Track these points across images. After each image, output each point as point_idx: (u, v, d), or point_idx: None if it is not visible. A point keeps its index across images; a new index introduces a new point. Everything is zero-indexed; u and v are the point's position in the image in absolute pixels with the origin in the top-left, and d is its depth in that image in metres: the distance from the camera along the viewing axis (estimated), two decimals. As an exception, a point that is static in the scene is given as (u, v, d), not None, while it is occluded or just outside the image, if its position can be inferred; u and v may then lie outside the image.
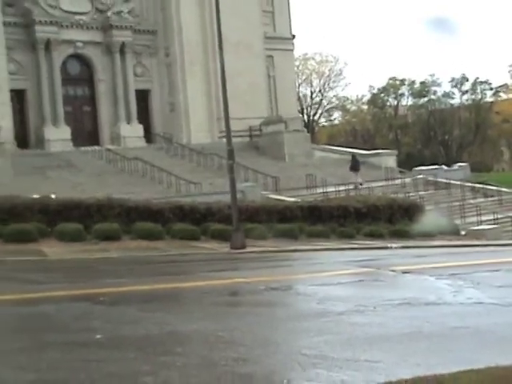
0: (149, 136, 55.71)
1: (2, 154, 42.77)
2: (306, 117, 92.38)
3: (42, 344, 11.55)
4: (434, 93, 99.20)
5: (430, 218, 35.31)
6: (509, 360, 8.46)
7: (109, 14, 54.09)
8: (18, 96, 50.76)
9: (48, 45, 51.80)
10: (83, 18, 53.58)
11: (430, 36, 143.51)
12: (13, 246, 26.69)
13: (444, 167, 55.86)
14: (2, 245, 26.92)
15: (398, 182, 48.36)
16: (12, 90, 49.63)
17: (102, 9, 54.14)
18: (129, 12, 54.96)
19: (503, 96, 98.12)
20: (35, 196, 31.27)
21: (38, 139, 51.17)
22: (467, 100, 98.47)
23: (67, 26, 52.64)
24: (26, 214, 29.02)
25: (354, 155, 47.80)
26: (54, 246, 27.40)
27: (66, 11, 52.72)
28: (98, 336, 11.74)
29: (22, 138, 50.32)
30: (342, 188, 43.51)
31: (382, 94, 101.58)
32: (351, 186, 44.46)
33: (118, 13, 54.48)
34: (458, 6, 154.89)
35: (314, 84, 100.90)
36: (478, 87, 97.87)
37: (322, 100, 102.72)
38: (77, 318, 13.95)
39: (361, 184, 44.57)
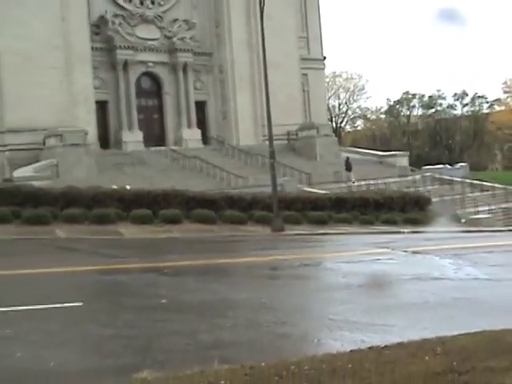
0: (205, 139, 55.71)
1: (88, 154, 43.10)
2: (334, 124, 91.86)
3: (119, 306, 11.67)
4: (440, 105, 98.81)
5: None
6: (500, 325, 8.40)
7: (174, 39, 54.16)
8: (101, 106, 51.08)
9: (126, 65, 52.09)
10: (154, 43, 53.75)
11: (437, 55, 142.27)
12: (96, 227, 26.98)
13: (448, 166, 55.32)
14: (87, 226, 27.23)
15: (409, 178, 47.95)
16: (96, 102, 49.97)
17: (169, 35, 54.23)
18: (190, 38, 54.96)
19: (497, 108, 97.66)
20: (114, 187, 31.58)
21: (117, 141, 51.46)
22: (467, 111, 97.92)
23: (141, 50, 52.85)
24: (106, 201, 29.32)
25: (347, 158, 47.15)
26: (128, 227, 27.64)
27: (141, 38, 52.94)
28: (163, 301, 11.83)
29: (104, 140, 50.64)
30: (363, 183, 43.24)
31: (397, 106, 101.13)
32: (345, 184, 43.76)
33: (182, 38, 54.52)
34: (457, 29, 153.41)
35: (341, 97, 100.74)
36: (477, 101, 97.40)
37: (347, 110, 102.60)
38: (146, 285, 14.08)
39: (353, 182, 43.84)
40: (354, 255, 20.60)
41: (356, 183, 43.47)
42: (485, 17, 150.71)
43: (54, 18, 46.55)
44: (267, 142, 32.89)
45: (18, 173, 40.21)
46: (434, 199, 39.14)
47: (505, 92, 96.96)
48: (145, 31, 53.36)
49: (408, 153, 59.51)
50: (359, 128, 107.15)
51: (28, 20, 44.72)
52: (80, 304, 11.34)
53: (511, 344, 7.14)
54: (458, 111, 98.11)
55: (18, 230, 25.44)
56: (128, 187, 31.76)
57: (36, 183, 33.66)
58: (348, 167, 45.44)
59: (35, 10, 45.02)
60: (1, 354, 8.05)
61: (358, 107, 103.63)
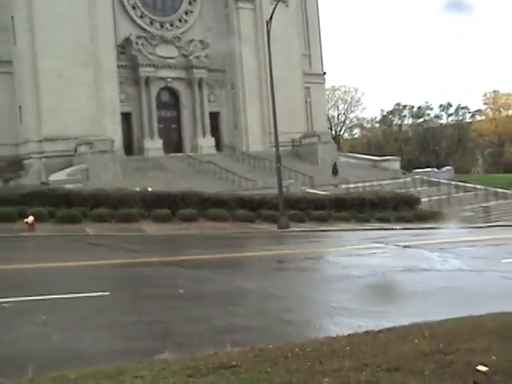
0: (218, 146, 55.75)
1: (114, 159, 43.22)
2: (333, 132, 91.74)
3: (142, 296, 11.71)
4: (428, 115, 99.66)
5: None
6: (481, 310, 8.41)
7: (190, 57, 54.21)
8: (125, 117, 51.18)
9: (147, 80, 52.20)
10: (172, 61, 53.82)
11: (425, 69, 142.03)
12: (121, 225, 27.07)
13: (435, 170, 55.13)
14: (113, 224, 27.32)
15: (401, 180, 47.83)
16: (122, 113, 50.07)
17: (185, 54, 54.29)
18: (205, 56, 54.99)
19: (478, 118, 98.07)
20: (137, 189, 31.62)
21: (139, 148, 51.56)
22: (452, 120, 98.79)
23: (161, 67, 52.95)
24: (130, 202, 29.40)
25: (335, 163, 46.93)
26: (150, 225, 27.70)
27: (161, 56, 53.04)
28: (182, 291, 11.86)
29: (128, 148, 50.73)
30: (360, 185, 43.16)
31: (390, 116, 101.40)
32: (331, 187, 43.38)
33: (197, 57, 54.59)
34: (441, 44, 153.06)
35: (340, 108, 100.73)
36: (460, 111, 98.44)
37: (345, 120, 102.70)
38: (166, 277, 14.11)
39: (337, 186, 43.45)
40: (352, 249, 20.61)
41: (338, 186, 43.05)
42: (471, 36, 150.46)
43: (85, 39, 46.74)
44: (274, 149, 32.88)
45: (53, 177, 40.39)
46: (422, 199, 39.06)
47: (484, 103, 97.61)
48: (164, 50, 53.48)
49: (399, 158, 59.47)
50: (356, 136, 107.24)
51: (63, 43, 44.90)
52: (107, 294, 11.38)
53: (490, 328, 7.17)
54: (444, 120, 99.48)
55: (52, 228, 25.56)
56: (149, 189, 31.83)
57: (69, 186, 33.81)
58: (334, 172, 45.21)
59: (69, 33, 45.25)
60: (40, 336, 8.12)
61: (355, 117, 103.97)
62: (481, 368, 5.38)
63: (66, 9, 45.34)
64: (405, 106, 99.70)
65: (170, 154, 50.62)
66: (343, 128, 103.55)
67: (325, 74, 65.78)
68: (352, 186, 42.80)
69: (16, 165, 43.80)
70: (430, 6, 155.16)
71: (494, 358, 5.72)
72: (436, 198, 41.89)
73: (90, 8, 47.31)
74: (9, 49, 46.47)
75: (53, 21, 44.81)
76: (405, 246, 21.10)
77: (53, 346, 7.68)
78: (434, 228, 31.16)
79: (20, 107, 46.52)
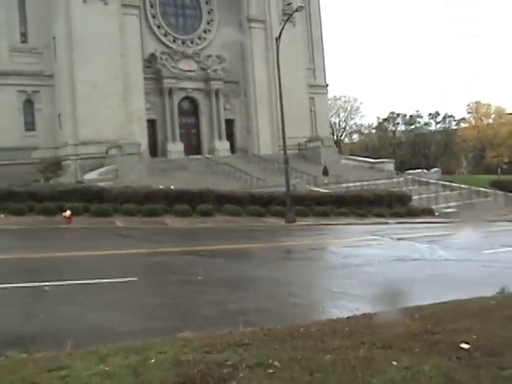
0: (233, 149, 55.70)
1: (141, 161, 43.30)
2: (335, 137, 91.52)
3: (165, 281, 11.74)
4: (419, 122, 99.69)
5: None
6: (465, 295, 8.42)
7: (208, 71, 54.23)
8: (151, 124, 51.23)
9: (170, 91, 52.25)
10: (192, 74, 53.82)
11: (416, 81, 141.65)
12: (146, 219, 27.15)
13: (425, 171, 54.96)
14: (140, 217, 27.40)
15: (395, 180, 47.59)
16: (147, 120, 50.13)
17: (204, 68, 54.29)
18: (221, 69, 55.00)
19: (463, 125, 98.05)
20: (161, 187, 31.66)
21: (163, 151, 51.62)
22: (439, 127, 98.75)
23: (182, 79, 52.96)
24: (155, 198, 29.46)
25: (325, 165, 46.56)
26: (172, 219, 27.75)
27: (182, 70, 53.04)
28: (200, 277, 11.89)
29: (153, 150, 50.78)
30: (358, 184, 43.02)
31: (385, 123, 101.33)
32: (333, 185, 42.93)
33: (215, 70, 54.61)
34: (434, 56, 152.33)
35: (341, 116, 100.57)
36: (447, 119, 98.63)
37: (345, 126, 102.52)
38: (186, 265, 14.14)
39: (327, 184, 43.03)
40: (351, 241, 20.59)
41: (328, 185, 42.54)
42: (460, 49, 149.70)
43: (116, 55, 46.87)
44: (282, 151, 32.86)
45: (87, 176, 40.58)
46: (414, 197, 38.92)
47: (468, 112, 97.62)
48: (185, 65, 53.52)
49: (393, 160, 59.14)
50: (355, 140, 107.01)
51: (96, 58, 45.08)
52: (135, 279, 11.43)
53: (471, 310, 7.18)
54: (433, 127, 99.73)
55: (87, 221, 25.68)
56: (172, 187, 31.87)
57: (101, 184, 33.92)
58: (325, 172, 44.93)
59: (102, 50, 45.43)
60: (77, 315, 8.17)
61: (354, 124, 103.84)
62: (463, 346, 5.42)
63: (99, 29, 45.64)
64: (398, 114, 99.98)
65: (190, 156, 50.66)
66: (344, 133, 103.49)
67: (327, 85, 65.66)
68: (351, 184, 42.66)
69: (55, 165, 44.03)
70: (421, 21, 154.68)
71: (474, 336, 5.75)
72: (425, 195, 41.76)
73: (120, 28, 47.50)
74: (51, 65, 47.02)
75: (88, 40, 45.11)
76: (398, 239, 21.05)
77: (88, 324, 7.73)
78: (424, 222, 31.08)
79: (59, 115, 46.83)
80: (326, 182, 42.95)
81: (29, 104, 47.27)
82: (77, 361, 5.05)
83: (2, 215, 25.84)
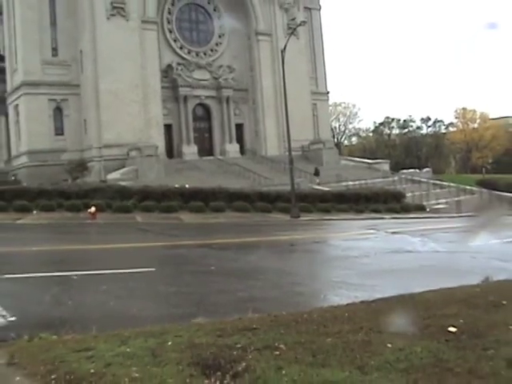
0: (242, 150, 55.60)
1: (158, 162, 43.41)
2: (335, 140, 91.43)
3: (180, 271, 11.76)
4: (411, 126, 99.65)
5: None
6: (453, 283, 8.38)
7: (220, 80, 54.21)
8: (167, 128, 51.25)
9: (185, 98, 52.28)
10: (205, 82, 53.80)
11: (409, 87, 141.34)
12: (163, 215, 27.21)
13: (417, 171, 54.77)
14: (157, 213, 27.46)
15: (390, 179, 47.43)
16: (164, 125, 50.19)
17: (216, 77, 54.26)
18: (232, 78, 54.93)
19: (451, 129, 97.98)
20: (176, 186, 31.73)
21: (178, 153, 51.65)
22: (430, 131, 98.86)
23: (196, 88, 52.92)
24: (171, 196, 29.53)
25: (316, 167, 46.26)
26: (187, 215, 27.80)
27: (196, 79, 53.01)
28: (212, 268, 11.89)
29: (169, 152, 50.82)
30: (356, 182, 42.94)
31: (381, 127, 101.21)
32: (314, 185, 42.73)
33: (226, 79, 54.57)
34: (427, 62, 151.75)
35: (341, 120, 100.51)
36: (437, 124, 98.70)
37: (345, 130, 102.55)
38: (200, 257, 14.15)
39: (318, 184, 42.86)
40: (350, 235, 20.55)
41: (320, 184, 42.14)
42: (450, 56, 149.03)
43: (136, 66, 46.99)
44: (287, 153, 32.84)
45: (110, 176, 40.75)
46: (407, 194, 38.81)
47: (456, 117, 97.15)
48: (199, 74, 53.51)
49: (389, 161, 58.99)
50: (354, 143, 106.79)
51: (118, 69, 45.30)
52: (153, 269, 11.46)
53: (459, 297, 7.16)
54: (424, 131, 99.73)
55: (110, 217, 25.78)
56: (186, 186, 31.92)
57: (122, 183, 34.05)
58: (316, 173, 44.77)
59: (123, 61, 45.66)
60: (100, 302, 8.20)
61: (353, 127, 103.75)
62: (451, 329, 5.43)
63: (121, 43, 45.88)
64: (393, 119, 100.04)
65: (203, 158, 50.68)
66: (343, 136, 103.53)
67: (328, 92, 65.48)
68: (351, 183, 42.59)
69: (82, 166, 44.20)
70: (412, 30, 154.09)
71: (461, 321, 5.76)
72: (418, 193, 41.62)
73: (140, 42, 47.65)
74: (78, 75, 47.35)
75: (111, 53, 45.37)
76: (393, 232, 20.99)
77: (110, 310, 7.75)
78: (416, 218, 30.98)
79: (85, 120, 47.04)
80: (317, 181, 42.82)
81: (58, 111, 47.56)
82: (101, 343, 5.07)
83: (35, 211, 26.00)
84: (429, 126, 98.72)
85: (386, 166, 54.54)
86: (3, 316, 6.91)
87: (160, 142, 47.59)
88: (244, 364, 4.32)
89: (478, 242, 16.70)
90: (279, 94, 51.83)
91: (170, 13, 53.28)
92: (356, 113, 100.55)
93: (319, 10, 65.25)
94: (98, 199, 27.17)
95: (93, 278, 10.18)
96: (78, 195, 27.87)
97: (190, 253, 14.87)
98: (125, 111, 45.64)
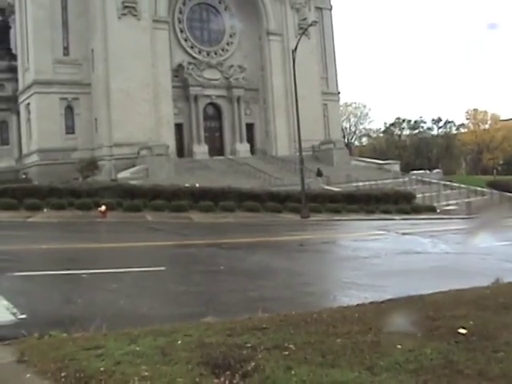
0: (253, 150, 55.67)
1: (169, 161, 43.52)
2: (346, 140, 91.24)
3: (190, 270, 11.78)
4: (422, 127, 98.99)
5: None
6: (463, 285, 8.33)
7: (231, 79, 54.32)
8: (178, 127, 51.43)
9: (196, 98, 52.42)
10: (216, 82, 53.94)
11: (421, 88, 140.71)
12: (173, 214, 27.25)
13: (427, 171, 54.63)
14: (167, 213, 27.51)
15: (400, 180, 47.27)
16: (175, 124, 50.37)
17: (227, 76, 54.37)
18: (242, 78, 55.02)
19: (462, 130, 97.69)
20: (187, 185, 31.78)
21: (189, 152, 51.79)
22: (441, 132, 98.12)
23: (207, 87, 53.08)
24: (181, 195, 29.58)
25: (319, 168, 46.15)
26: (196, 214, 27.82)
27: (206, 78, 53.17)
28: (222, 267, 11.90)
29: (180, 151, 50.97)
30: (367, 183, 42.79)
31: (392, 127, 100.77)
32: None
33: (236, 79, 54.66)
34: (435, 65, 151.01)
35: (351, 121, 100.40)
36: (447, 125, 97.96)
37: (355, 130, 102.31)
38: (210, 256, 14.17)
39: (327, 184, 42.53)
40: (360, 236, 20.47)
41: (328, 185, 41.96)
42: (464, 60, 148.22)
43: (147, 65, 47.19)
44: (298, 153, 32.81)
45: (121, 175, 40.90)
46: (417, 195, 38.65)
47: (467, 119, 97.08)
48: (210, 74, 53.64)
49: (399, 161, 58.82)
50: (364, 143, 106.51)
51: (129, 68, 45.53)
52: (163, 268, 11.48)
53: (469, 299, 7.12)
54: (435, 132, 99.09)
55: (120, 215, 25.86)
56: (197, 185, 31.97)
57: (132, 182, 34.20)
58: (319, 174, 44.65)
59: (134, 61, 45.91)
60: (110, 301, 8.23)
61: (364, 128, 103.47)
62: (461, 331, 5.40)
63: (132, 42, 46.09)
64: (403, 120, 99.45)
65: (214, 157, 50.78)
66: (354, 137, 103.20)
67: (339, 93, 65.35)
68: (361, 184, 42.43)
69: (92, 165, 44.45)
70: (425, 29, 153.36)
71: (471, 322, 5.72)
72: (428, 194, 41.44)
73: (151, 41, 47.86)
74: (89, 74, 47.69)
75: (122, 52, 45.59)
76: (403, 233, 20.91)
77: (120, 308, 7.78)
78: (426, 219, 30.84)
79: (96, 119, 47.27)
80: (321, 182, 42.72)
81: (69, 110, 47.87)
82: (111, 341, 5.09)
83: (46, 209, 26.16)
84: (440, 127, 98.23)
85: (396, 166, 54.35)
86: (14, 314, 6.96)
87: (170, 141, 47.71)
88: (253, 364, 4.32)
89: (487, 243, 16.59)
90: (290, 93, 51.84)
91: (181, 12, 53.47)
92: (367, 113, 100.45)
93: (330, 9, 65.18)
94: (108, 198, 27.27)
95: (103, 276, 10.22)
96: (88, 194, 28.00)
97: (200, 252, 14.88)
98: (135, 110, 45.82)
